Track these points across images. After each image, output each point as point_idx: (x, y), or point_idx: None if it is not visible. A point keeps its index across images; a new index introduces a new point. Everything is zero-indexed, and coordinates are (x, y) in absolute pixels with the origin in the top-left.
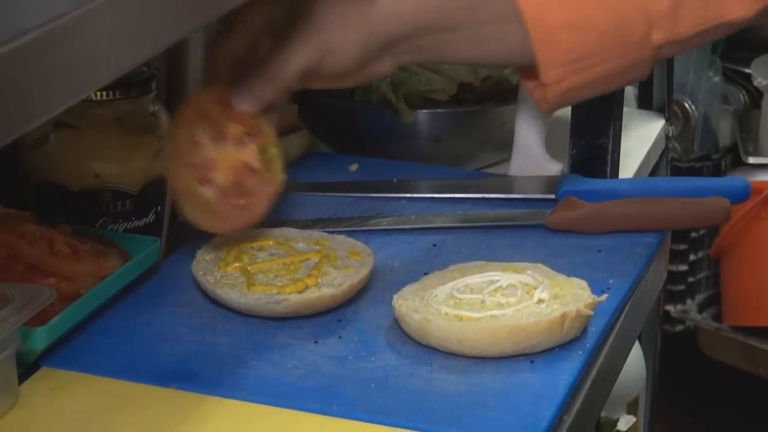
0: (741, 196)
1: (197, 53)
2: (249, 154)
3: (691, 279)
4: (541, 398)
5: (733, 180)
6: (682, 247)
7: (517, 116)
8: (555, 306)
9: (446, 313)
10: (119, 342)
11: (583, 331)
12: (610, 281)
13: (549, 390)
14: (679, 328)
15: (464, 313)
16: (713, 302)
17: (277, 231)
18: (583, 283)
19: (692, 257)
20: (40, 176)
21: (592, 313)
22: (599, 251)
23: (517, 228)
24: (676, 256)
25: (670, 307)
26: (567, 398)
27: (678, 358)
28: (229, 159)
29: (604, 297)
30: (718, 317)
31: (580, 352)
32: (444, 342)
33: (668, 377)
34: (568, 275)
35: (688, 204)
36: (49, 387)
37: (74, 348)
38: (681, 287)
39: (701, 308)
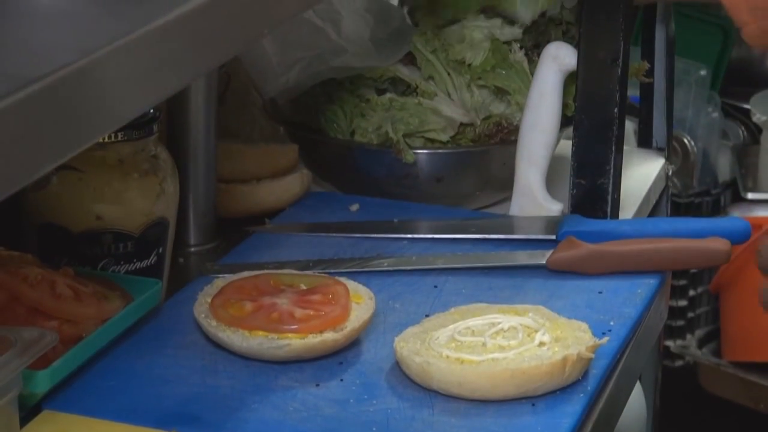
0: (742, 237)
1: (198, 96)
2: None
3: (690, 314)
4: None
5: (734, 221)
6: (682, 282)
7: (518, 156)
8: (556, 349)
9: (447, 356)
10: (121, 385)
11: (585, 374)
12: (611, 323)
13: None
14: (678, 363)
15: (465, 356)
16: (713, 337)
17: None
18: (584, 326)
19: (692, 292)
20: (42, 218)
21: (593, 356)
22: (600, 292)
23: (518, 269)
24: (675, 292)
25: (669, 342)
26: None
27: (678, 393)
28: None
29: (605, 340)
30: (717, 352)
31: (582, 395)
32: (445, 385)
33: (668, 412)
34: (569, 317)
35: (688, 245)
36: (50, 430)
37: (76, 391)
38: (681, 322)
39: (701, 343)
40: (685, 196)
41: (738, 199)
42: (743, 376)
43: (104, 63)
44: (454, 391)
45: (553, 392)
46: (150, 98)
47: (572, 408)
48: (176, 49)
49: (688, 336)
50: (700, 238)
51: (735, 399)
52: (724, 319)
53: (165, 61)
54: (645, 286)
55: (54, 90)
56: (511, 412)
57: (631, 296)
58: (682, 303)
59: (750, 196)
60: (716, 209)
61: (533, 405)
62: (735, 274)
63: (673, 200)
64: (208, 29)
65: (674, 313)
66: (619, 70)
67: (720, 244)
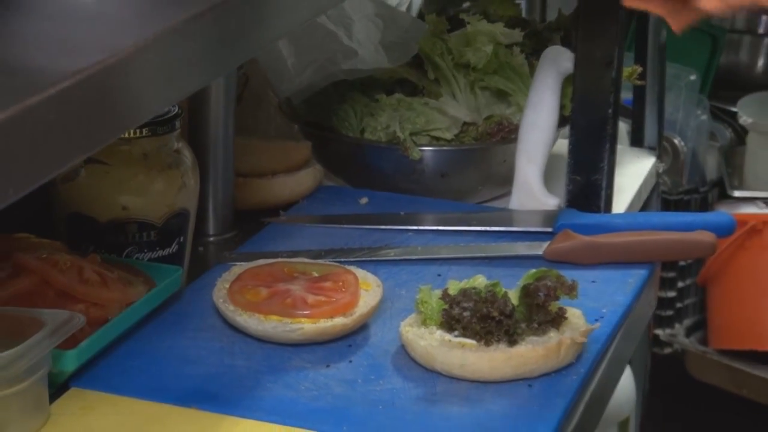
0: (727, 230)
1: (218, 95)
2: None
3: (679, 305)
4: (538, 420)
5: (720, 216)
6: (671, 274)
7: (517, 154)
8: (552, 334)
9: (450, 340)
10: (144, 364)
11: (578, 357)
12: (604, 310)
13: (546, 412)
14: (667, 350)
15: (466, 341)
16: (700, 327)
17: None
18: (578, 312)
19: (680, 284)
20: (71, 208)
21: (586, 340)
22: (593, 281)
23: (517, 259)
24: (665, 283)
25: (659, 331)
26: (562, 420)
27: (666, 379)
28: None
29: (597, 325)
30: (704, 341)
31: (575, 377)
32: (448, 367)
33: (658, 398)
34: (565, 304)
35: (676, 238)
36: (78, 406)
37: (102, 370)
38: (669, 312)
39: (688, 332)
40: (675, 194)
41: (725, 196)
42: (728, 363)
43: (131, 61)
44: (456, 372)
45: (548, 374)
46: (173, 96)
47: (566, 389)
48: (198, 50)
49: (677, 325)
50: (687, 232)
51: (720, 384)
52: (711, 309)
53: (187, 61)
54: (635, 276)
55: (84, 86)
56: (509, 393)
57: (622, 285)
58: (671, 294)
59: (736, 193)
60: (704, 206)
61: (530, 386)
62: (721, 267)
63: (664, 197)
64: (226, 32)
65: (663, 303)
66: (614, 73)
67: (706, 237)
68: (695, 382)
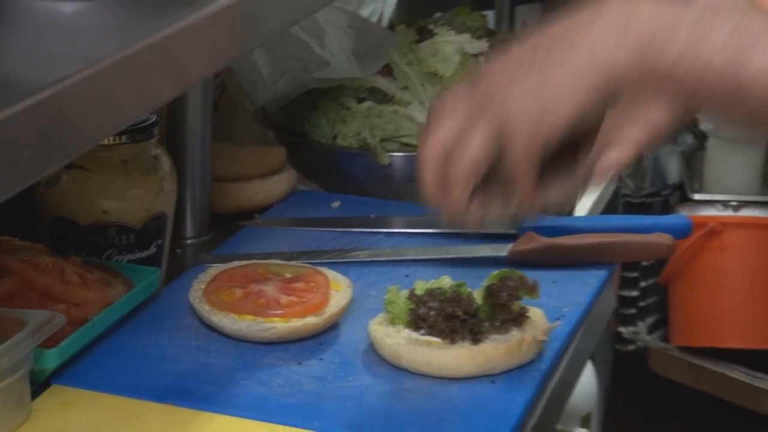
0: (683, 233)
1: (195, 103)
2: None
3: (641, 303)
4: (500, 415)
5: (677, 218)
6: (634, 274)
7: None
8: (514, 332)
9: (416, 339)
10: (122, 362)
11: (540, 354)
12: (564, 309)
13: (508, 407)
14: (630, 348)
15: (432, 339)
16: (662, 324)
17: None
18: (540, 312)
19: (643, 284)
20: (53, 212)
21: (547, 338)
22: (555, 282)
23: (482, 260)
24: (628, 283)
25: (622, 329)
26: (524, 414)
27: (629, 376)
28: None
29: (557, 324)
30: (666, 338)
31: (536, 373)
32: (414, 364)
33: (620, 393)
34: (527, 304)
35: (635, 240)
36: (58, 403)
37: (82, 367)
38: (632, 311)
39: (651, 330)
40: (638, 197)
41: (685, 199)
42: (689, 360)
43: (108, 72)
44: (422, 369)
45: (510, 371)
46: (149, 104)
47: (528, 385)
48: (174, 59)
49: (639, 323)
50: (645, 234)
51: (681, 380)
52: (672, 308)
53: (163, 71)
54: (595, 276)
55: (63, 95)
56: (472, 389)
57: (583, 285)
58: (634, 293)
59: (696, 196)
60: (666, 208)
61: (493, 382)
62: (682, 267)
63: (627, 200)
64: (203, 42)
65: (627, 302)
66: None
67: (663, 239)
68: (657, 378)
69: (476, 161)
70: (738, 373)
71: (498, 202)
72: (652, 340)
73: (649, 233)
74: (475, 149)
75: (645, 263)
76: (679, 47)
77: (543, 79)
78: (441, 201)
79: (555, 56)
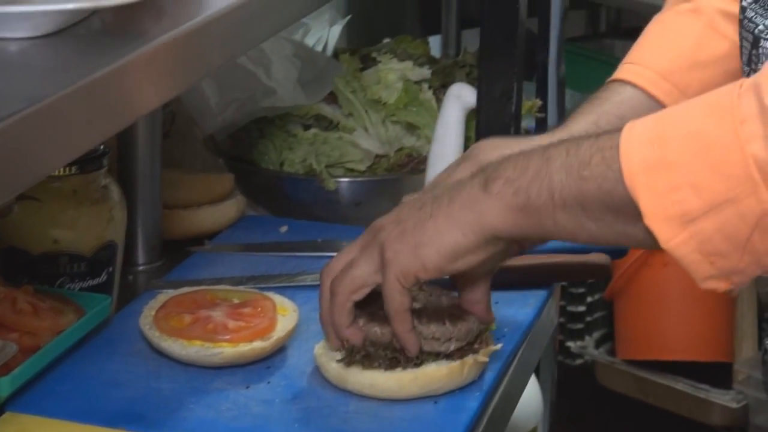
0: (620, 253)
1: (144, 132)
2: None
3: (588, 318)
4: None
5: None
6: (580, 290)
7: (426, 183)
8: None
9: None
10: (75, 388)
11: (481, 375)
12: (505, 330)
13: (450, 427)
14: (578, 362)
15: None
16: (608, 339)
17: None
18: None
19: (589, 299)
20: (5, 243)
21: (487, 359)
22: (496, 303)
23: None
24: (574, 298)
25: (570, 344)
26: None
27: (577, 388)
28: None
29: (499, 346)
30: (612, 352)
31: (478, 393)
32: (359, 387)
33: (568, 406)
34: None
35: (572, 260)
36: (12, 430)
37: (35, 394)
38: (579, 326)
39: (598, 344)
40: None
41: None
42: (635, 373)
43: (58, 106)
44: (366, 392)
45: (453, 391)
46: (98, 137)
47: (470, 404)
48: (122, 93)
49: (587, 337)
50: (582, 254)
51: (627, 393)
52: (618, 322)
53: (111, 104)
54: (535, 296)
55: (11, 131)
56: (416, 410)
57: (523, 306)
58: (581, 308)
59: None
60: None
61: (435, 403)
62: (627, 282)
63: None
64: (150, 75)
65: (574, 317)
66: (513, 107)
67: (601, 259)
68: (605, 391)
69: (357, 280)
70: (682, 385)
71: (379, 327)
72: (599, 354)
73: (586, 253)
74: (358, 271)
75: (591, 279)
76: None
77: (422, 224)
78: (329, 321)
79: (437, 208)
